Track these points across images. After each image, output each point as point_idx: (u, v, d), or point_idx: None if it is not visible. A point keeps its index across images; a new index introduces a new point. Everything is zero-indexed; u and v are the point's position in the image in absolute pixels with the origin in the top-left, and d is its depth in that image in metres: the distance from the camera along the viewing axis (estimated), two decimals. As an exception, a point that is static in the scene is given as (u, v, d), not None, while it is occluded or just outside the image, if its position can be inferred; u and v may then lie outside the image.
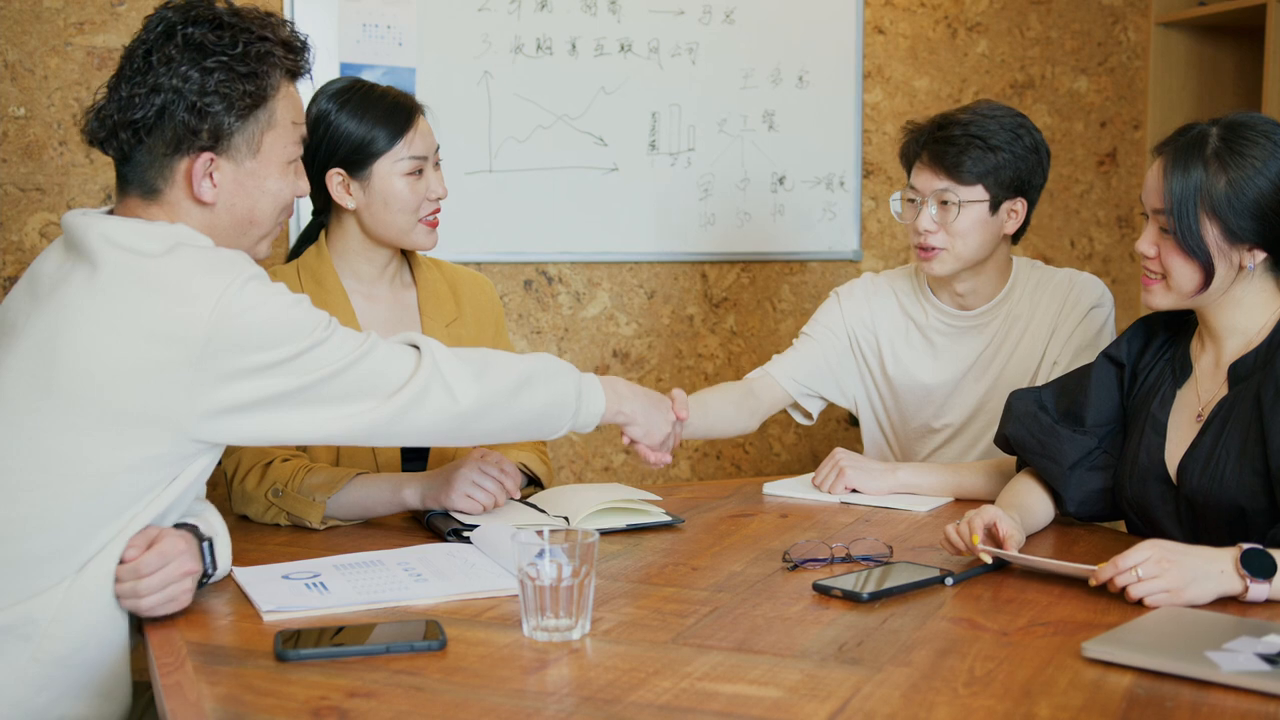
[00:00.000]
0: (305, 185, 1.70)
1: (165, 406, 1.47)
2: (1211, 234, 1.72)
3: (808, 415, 2.45)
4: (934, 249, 2.21)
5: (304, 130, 1.69)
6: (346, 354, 1.56)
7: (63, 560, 1.49)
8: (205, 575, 1.56)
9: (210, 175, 1.58)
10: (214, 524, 1.64)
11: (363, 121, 2.08)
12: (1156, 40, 3.70)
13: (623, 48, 3.22)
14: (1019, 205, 2.22)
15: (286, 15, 2.90)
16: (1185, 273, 1.75)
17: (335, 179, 2.10)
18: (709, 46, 3.30)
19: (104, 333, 1.46)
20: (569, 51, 3.18)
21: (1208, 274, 1.73)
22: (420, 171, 2.11)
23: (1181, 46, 3.72)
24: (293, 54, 1.64)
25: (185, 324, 1.46)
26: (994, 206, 2.19)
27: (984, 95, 3.59)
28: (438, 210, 2.15)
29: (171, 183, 1.58)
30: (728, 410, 2.30)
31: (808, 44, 3.40)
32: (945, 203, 2.19)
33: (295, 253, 2.24)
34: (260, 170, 1.62)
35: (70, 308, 1.48)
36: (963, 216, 2.18)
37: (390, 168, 2.09)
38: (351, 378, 1.56)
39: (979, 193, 2.18)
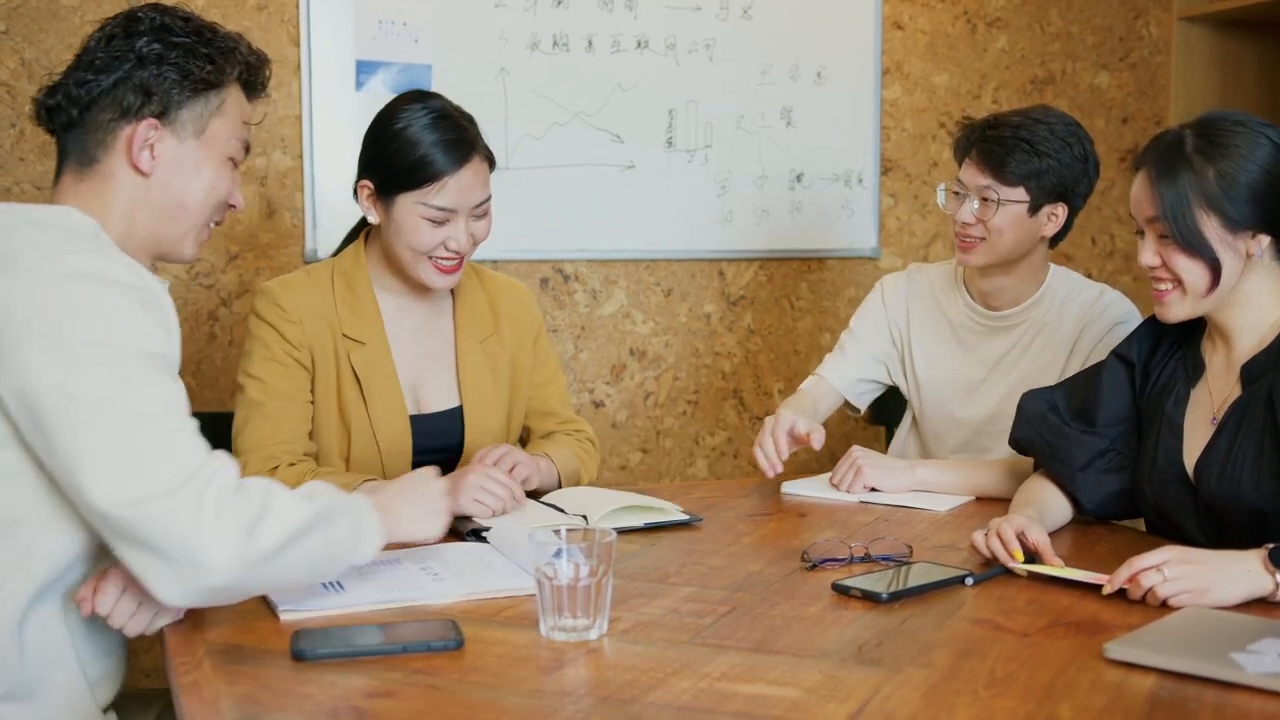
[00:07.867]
0: (240, 198, 1.68)
1: None
2: (1211, 227, 1.72)
3: (855, 409, 2.52)
4: (973, 241, 2.28)
5: (249, 135, 1.68)
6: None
7: None
8: None
9: (151, 146, 1.58)
10: None
11: (403, 147, 1.99)
12: (1179, 35, 3.67)
13: (639, 44, 3.21)
14: (1060, 210, 2.28)
15: (301, 11, 2.90)
16: (1194, 273, 1.74)
17: (364, 191, 2.06)
18: (726, 42, 3.29)
19: None
20: (585, 48, 3.17)
21: (1214, 269, 1.73)
22: (445, 222, 2.02)
23: (1204, 41, 3.69)
24: (253, 63, 1.67)
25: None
26: (1034, 209, 2.25)
27: (1004, 91, 3.57)
28: (455, 259, 2.05)
29: (111, 150, 1.58)
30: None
31: (826, 40, 3.38)
32: (986, 199, 2.25)
33: (340, 250, 2.22)
34: (200, 154, 1.62)
35: None
36: (1001, 213, 2.24)
37: (411, 206, 2.01)
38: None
39: (1020, 194, 2.24)
